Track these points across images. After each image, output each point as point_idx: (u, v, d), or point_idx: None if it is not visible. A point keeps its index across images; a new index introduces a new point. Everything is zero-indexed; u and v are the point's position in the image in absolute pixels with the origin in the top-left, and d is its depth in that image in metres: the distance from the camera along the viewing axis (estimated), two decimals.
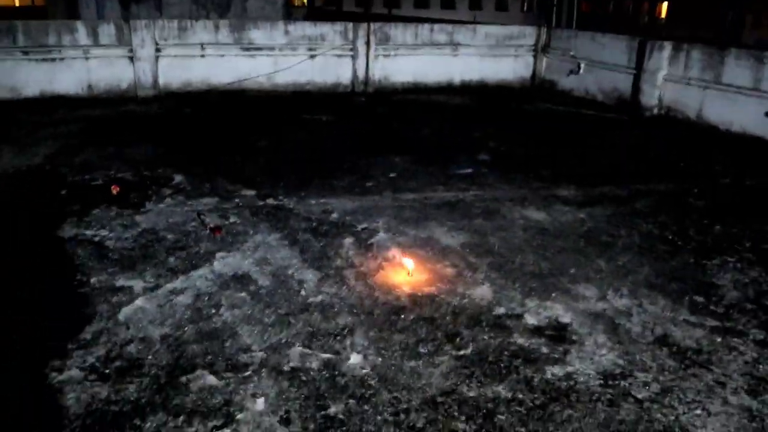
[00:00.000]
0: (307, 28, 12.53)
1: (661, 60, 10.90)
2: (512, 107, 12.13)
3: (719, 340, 4.00)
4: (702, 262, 5.22)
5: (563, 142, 9.43)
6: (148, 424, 2.98)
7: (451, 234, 5.54)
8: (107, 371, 3.37)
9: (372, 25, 12.72)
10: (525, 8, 51.00)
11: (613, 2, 47.39)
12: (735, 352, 3.86)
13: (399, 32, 13.08)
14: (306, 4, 36.96)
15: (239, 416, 3.06)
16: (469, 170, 7.63)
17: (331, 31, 12.58)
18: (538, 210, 6.28)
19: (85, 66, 10.89)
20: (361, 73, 12.85)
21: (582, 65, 12.82)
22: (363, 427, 3.02)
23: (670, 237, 5.73)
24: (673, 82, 10.83)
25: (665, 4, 45.94)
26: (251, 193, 6.45)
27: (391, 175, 7.33)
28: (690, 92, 10.53)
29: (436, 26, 13.38)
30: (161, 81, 11.40)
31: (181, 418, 3.03)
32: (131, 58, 11.14)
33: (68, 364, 3.42)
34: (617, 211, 6.37)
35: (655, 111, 11.13)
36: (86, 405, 3.11)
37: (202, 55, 11.70)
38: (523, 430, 3.05)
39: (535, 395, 3.32)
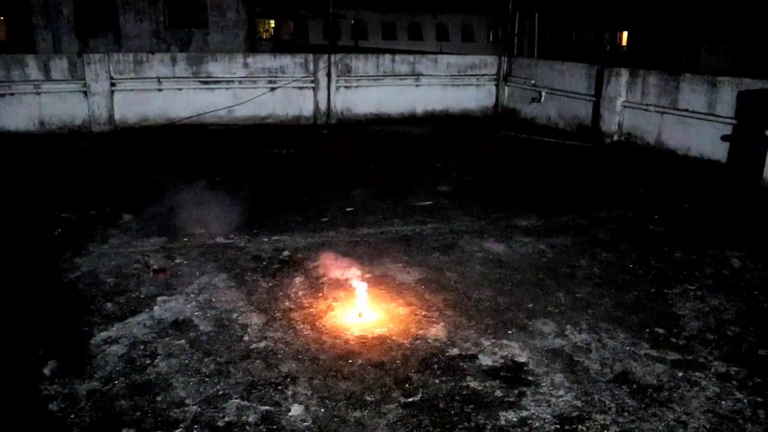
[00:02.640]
0: (267, 61, 12.41)
1: (619, 87, 10.97)
2: (475, 137, 12.09)
3: (680, 374, 3.85)
4: (663, 291, 5.10)
5: (524, 171, 9.35)
6: None
7: (406, 270, 5.35)
8: None
9: (333, 57, 12.67)
10: (491, 38, 51.74)
11: (576, 32, 48.14)
12: (696, 388, 3.70)
13: (360, 63, 13.03)
14: (272, 36, 37.04)
15: None
16: (429, 202, 7.48)
17: (291, 62, 12.49)
18: (497, 242, 6.13)
19: (37, 101, 10.61)
20: (323, 105, 12.74)
21: (543, 93, 12.88)
22: None
23: (631, 266, 5.62)
24: (631, 108, 10.90)
25: (626, 33, 46.81)
26: (201, 231, 6.19)
27: (348, 209, 7.15)
28: (648, 118, 10.60)
29: (398, 57, 13.38)
30: (117, 116, 11.15)
31: None
32: (85, 93, 10.88)
33: None
34: (577, 240, 6.25)
35: (616, 137, 11.18)
36: None
37: (160, 89, 11.49)
38: None
39: None
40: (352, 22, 39.14)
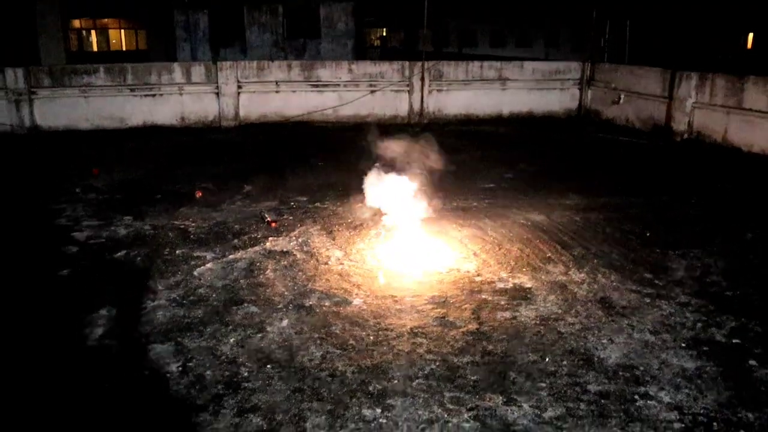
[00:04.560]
0: (368, 67, 14.16)
1: (689, 88, 11.79)
2: (553, 135, 13.22)
3: (648, 301, 5.06)
4: (667, 252, 6.23)
5: (588, 164, 10.48)
6: (208, 330, 4.42)
7: (458, 229, 6.80)
8: (184, 302, 4.86)
9: (426, 63, 14.22)
10: (603, 43, 51.32)
11: (689, 35, 46.58)
12: (656, 309, 4.92)
13: (451, 69, 14.51)
14: (380, 44, 39.22)
15: (268, 328, 4.46)
16: (492, 185, 8.85)
17: (389, 69, 14.17)
18: (540, 214, 7.43)
19: (179, 100, 12.91)
20: (416, 106, 14.32)
21: (622, 96, 13.81)
22: (351, 339, 4.35)
23: (648, 234, 6.75)
24: (700, 108, 11.69)
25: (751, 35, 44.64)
26: (304, 199, 7.93)
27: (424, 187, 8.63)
28: (715, 117, 11.37)
29: (486, 63, 14.73)
30: (242, 113, 13.28)
31: (230, 327, 4.46)
32: (217, 94, 13.08)
33: (159, 297, 4.94)
34: (611, 215, 7.42)
35: (686, 136, 11.98)
36: (170, 319, 4.59)
37: (277, 91, 13.51)
38: (463, 343, 4.28)
39: (481, 326, 4.54)
40: (458, 30, 40.50)
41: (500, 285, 5.32)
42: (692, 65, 13.69)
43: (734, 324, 4.67)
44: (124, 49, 37.81)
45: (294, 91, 13.55)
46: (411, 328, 4.49)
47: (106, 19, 37.41)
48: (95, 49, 37.57)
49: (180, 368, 3.98)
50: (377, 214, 7.25)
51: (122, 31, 38.19)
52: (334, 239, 6.41)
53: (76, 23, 36.13)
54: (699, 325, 4.67)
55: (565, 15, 42.23)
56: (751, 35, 44.52)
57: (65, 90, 12.52)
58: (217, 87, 13.03)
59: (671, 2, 32.89)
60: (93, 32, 38.18)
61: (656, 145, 11.98)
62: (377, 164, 9.74)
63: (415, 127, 13.98)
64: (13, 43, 20.73)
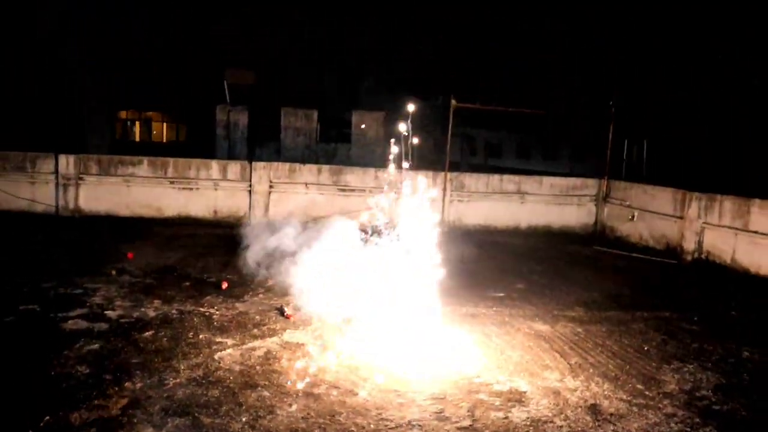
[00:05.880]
0: (394, 175, 14.96)
1: (699, 209, 12.30)
2: (568, 249, 13.69)
3: (636, 410, 5.36)
4: (662, 366, 6.53)
5: (599, 278, 10.85)
6: (223, 408, 4.84)
7: (463, 335, 7.19)
8: (203, 382, 5.29)
9: (448, 175, 15.01)
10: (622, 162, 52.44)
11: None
12: (643, 418, 5.21)
13: (473, 181, 15.27)
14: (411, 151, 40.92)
15: (278, 411, 4.85)
16: (501, 294, 9.27)
17: (414, 178, 14.93)
18: (544, 324, 7.80)
19: (214, 195, 13.78)
20: (437, 215, 14.97)
21: (635, 213, 14.34)
22: (352, 426, 4.71)
23: (646, 348, 7.07)
24: (709, 229, 12.13)
25: None
26: (323, 295, 8.40)
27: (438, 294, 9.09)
28: (724, 238, 11.77)
29: (505, 177, 15.49)
30: (270, 210, 14.06)
31: (243, 407, 4.87)
32: (249, 192, 13.92)
33: (180, 376, 5.38)
34: (612, 328, 7.76)
35: (696, 255, 12.36)
36: (189, 396, 5.02)
37: (306, 193, 14.33)
38: None
39: (474, 423, 4.87)
40: (485, 141, 42.04)
41: (497, 387, 5.67)
42: (711, 184, 14.27)
43: None
44: (164, 140, 39.99)
45: (322, 194, 14.35)
46: (409, 420, 4.85)
47: (150, 112, 39.83)
48: (138, 138, 39.78)
49: None
50: (392, 315, 7.69)
51: (164, 124, 40.49)
52: (348, 335, 6.85)
53: (123, 114, 38.57)
54: None
55: (589, 131, 43.58)
56: None
57: (110, 178, 13.51)
58: (250, 185, 13.90)
59: (690, 122, 33.90)
60: (137, 123, 40.56)
61: (667, 264, 12.35)
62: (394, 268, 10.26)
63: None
64: (63, 131, 22.39)
